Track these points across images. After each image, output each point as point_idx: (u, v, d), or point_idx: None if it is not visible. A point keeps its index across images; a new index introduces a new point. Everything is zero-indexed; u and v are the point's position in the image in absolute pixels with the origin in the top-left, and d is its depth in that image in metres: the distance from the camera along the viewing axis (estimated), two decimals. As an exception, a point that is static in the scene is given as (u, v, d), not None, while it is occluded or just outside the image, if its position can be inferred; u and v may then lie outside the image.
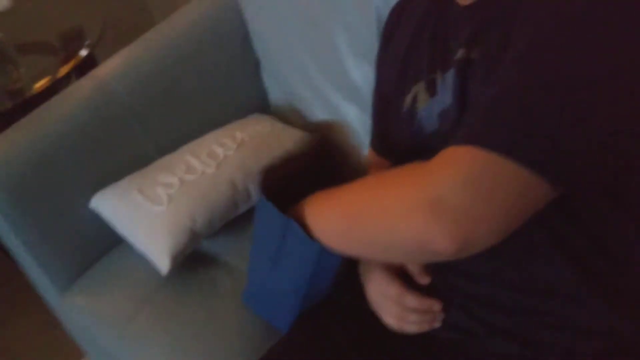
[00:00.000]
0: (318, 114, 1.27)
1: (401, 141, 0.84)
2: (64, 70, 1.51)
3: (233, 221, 1.15)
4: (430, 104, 0.76)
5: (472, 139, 0.57)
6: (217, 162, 1.15)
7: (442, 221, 0.55)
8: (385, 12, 0.93)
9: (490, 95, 0.59)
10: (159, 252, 1.08)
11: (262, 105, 1.37)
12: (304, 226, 0.73)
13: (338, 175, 1.19)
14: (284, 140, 1.21)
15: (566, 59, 0.57)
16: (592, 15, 0.57)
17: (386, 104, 0.88)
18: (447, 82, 0.73)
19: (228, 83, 1.33)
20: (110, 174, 1.18)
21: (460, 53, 0.70)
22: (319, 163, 1.12)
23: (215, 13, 1.35)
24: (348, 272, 0.83)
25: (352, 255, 0.73)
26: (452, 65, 0.72)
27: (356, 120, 1.19)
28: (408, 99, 0.80)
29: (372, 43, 1.05)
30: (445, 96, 0.73)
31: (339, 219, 0.69)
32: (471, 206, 0.55)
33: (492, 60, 0.64)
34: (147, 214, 1.10)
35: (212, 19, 1.34)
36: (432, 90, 0.76)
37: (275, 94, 1.37)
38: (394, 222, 0.60)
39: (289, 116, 1.32)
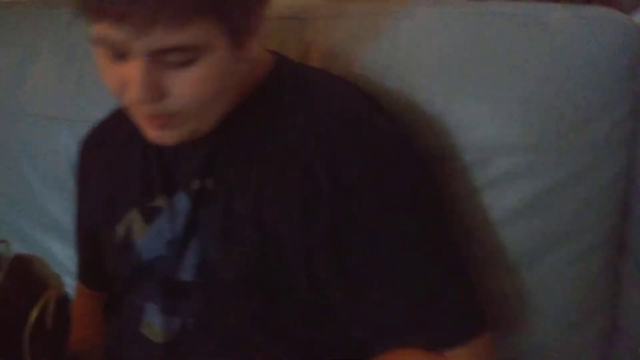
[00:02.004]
0: (17, 249, 1.17)
1: (116, 271, 0.81)
2: None
3: None
4: (151, 233, 0.75)
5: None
6: None
7: None
8: (72, 146, 0.91)
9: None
10: None
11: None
12: None
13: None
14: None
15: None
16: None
17: (93, 236, 0.84)
18: (176, 209, 0.73)
19: None
20: None
21: (195, 184, 0.71)
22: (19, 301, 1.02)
23: None
24: None
25: None
26: (183, 193, 0.72)
27: (60, 253, 1.12)
28: (120, 229, 0.78)
29: (63, 175, 1.02)
30: (174, 224, 0.73)
31: None
32: None
33: (231, 189, 0.69)
34: None
35: None
36: (150, 218, 0.75)
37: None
38: None
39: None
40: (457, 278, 0.68)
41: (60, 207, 1.06)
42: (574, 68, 0.75)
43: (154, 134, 0.68)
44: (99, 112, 0.89)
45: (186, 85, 0.62)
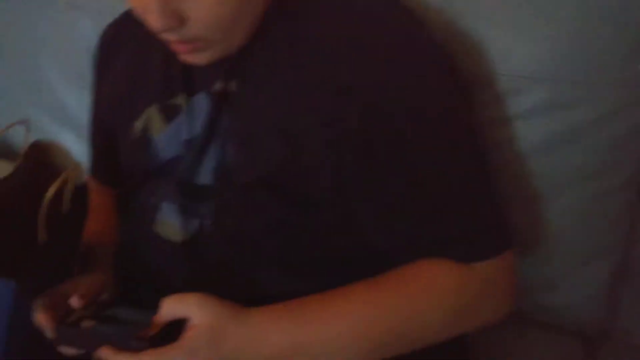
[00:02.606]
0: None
1: (132, 168, 0.80)
2: None
3: None
4: (169, 130, 0.74)
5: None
6: None
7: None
8: (94, 38, 0.89)
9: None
10: None
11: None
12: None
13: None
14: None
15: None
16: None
17: (109, 130, 0.83)
18: (195, 109, 0.72)
19: None
20: None
21: (218, 85, 0.70)
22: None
23: None
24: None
25: None
26: (204, 93, 0.71)
27: (75, 149, 1.11)
28: (138, 124, 0.77)
29: (83, 69, 1.00)
30: (193, 124, 0.72)
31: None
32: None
33: (256, 94, 0.67)
34: None
35: None
36: (169, 116, 0.74)
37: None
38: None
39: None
40: (487, 195, 0.67)
41: (78, 102, 1.05)
42: (615, 6, 0.73)
43: (183, 57, 0.67)
44: (122, 4, 0.87)
45: (204, 8, 0.61)
